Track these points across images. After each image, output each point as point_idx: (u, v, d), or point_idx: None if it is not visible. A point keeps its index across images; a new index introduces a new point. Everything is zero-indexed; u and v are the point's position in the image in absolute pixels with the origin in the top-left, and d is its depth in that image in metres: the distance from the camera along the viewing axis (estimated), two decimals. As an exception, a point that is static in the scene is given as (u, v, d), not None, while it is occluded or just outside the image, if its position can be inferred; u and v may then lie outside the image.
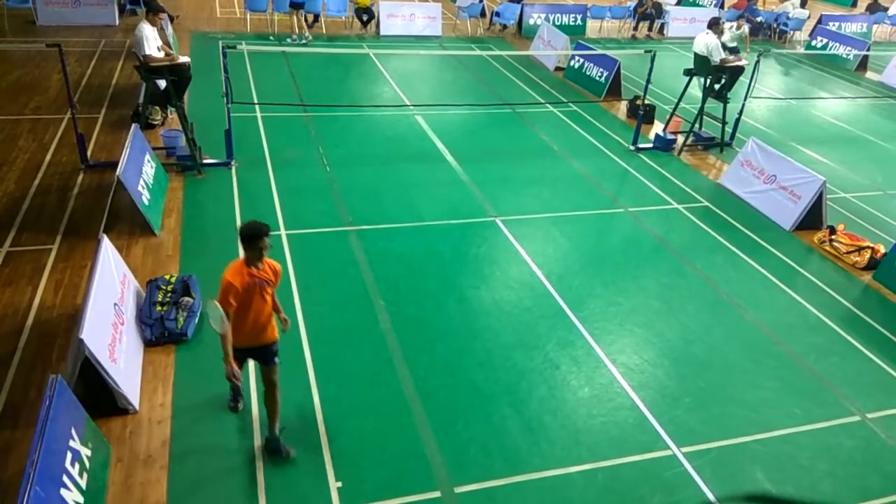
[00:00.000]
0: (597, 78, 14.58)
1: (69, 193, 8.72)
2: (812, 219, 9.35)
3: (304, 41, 16.53)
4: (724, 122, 11.85)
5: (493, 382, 6.15)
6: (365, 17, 17.96)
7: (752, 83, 11.60)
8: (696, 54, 11.58)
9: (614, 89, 14.24)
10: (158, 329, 6.20)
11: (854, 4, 29.21)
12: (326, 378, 6.01)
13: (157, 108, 10.95)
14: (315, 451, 5.27)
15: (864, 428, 6.03)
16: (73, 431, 4.53)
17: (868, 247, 8.67)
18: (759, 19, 21.78)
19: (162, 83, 9.30)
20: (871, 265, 8.54)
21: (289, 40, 16.64)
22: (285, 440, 5.23)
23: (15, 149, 9.80)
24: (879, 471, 5.60)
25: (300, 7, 16.63)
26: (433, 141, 11.40)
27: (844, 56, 19.25)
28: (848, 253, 8.73)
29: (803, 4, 21.52)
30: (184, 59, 9.31)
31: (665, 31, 20.97)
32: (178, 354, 6.12)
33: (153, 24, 9.05)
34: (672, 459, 5.52)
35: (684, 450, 5.61)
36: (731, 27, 17.40)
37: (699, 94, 11.89)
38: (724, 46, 17.15)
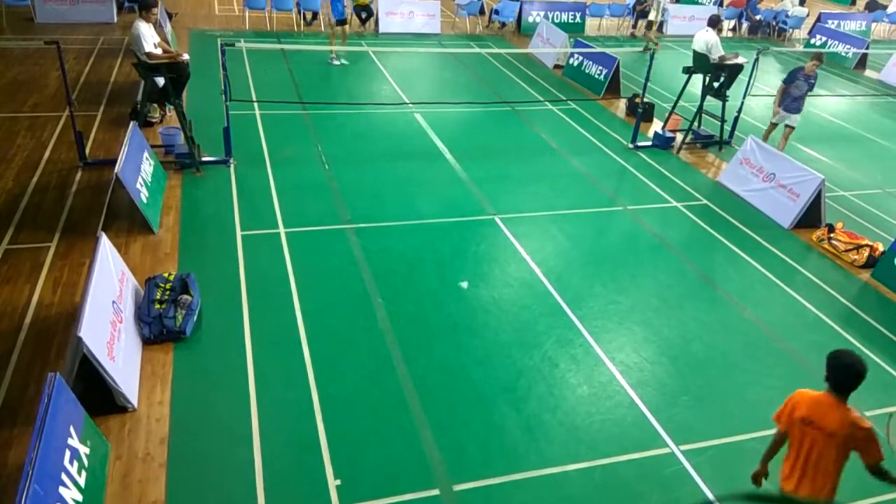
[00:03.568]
0: (596, 76, 14.57)
1: (67, 191, 8.71)
2: (811, 217, 9.35)
3: (340, 62, 15.12)
4: (722, 121, 11.85)
5: (492, 380, 6.15)
6: (364, 15, 17.93)
7: (751, 81, 11.60)
8: (695, 52, 11.56)
9: (613, 87, 14.23)
10: (157, 327, 6.20)
11: (853, 3, 29.21)
12: (325, 376, 6.00)
13: (155, 105, 10.93)
14: (314, 450, 5.27)
15: (862, 426, 6.03)
16: (72, 429, 4.53)
17: (866, 245, 8.67)
18: (758, 17, 21.79)
19: (160, 81, 9.28)
20: (870, 263, 8.54)
21: (339, 62, 15.02)
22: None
23: (13, 146, 9.78)
24: (878, 469, 5.60)
25: (344, 23, 15.04)
26: (432, 139, 11.39)
27: (843, 54, 19.26)
28: (846, 251, 8.74)
29: (802, 2, 21.54)
30: (184, 56, 9.28)
31: (664, 29, 20.96)
32: (176, 353, 6.12)
33: (148, 20, 9.02)
34: (670, 457, 5.52)
35: (683, 448, 5.61)
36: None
37: (698, 92, 11.89)
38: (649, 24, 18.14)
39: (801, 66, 10.89)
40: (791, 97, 10.93)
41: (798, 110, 11.06)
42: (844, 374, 3.88)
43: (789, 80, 10.90)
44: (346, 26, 15.27)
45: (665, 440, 5.67)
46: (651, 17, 18.37)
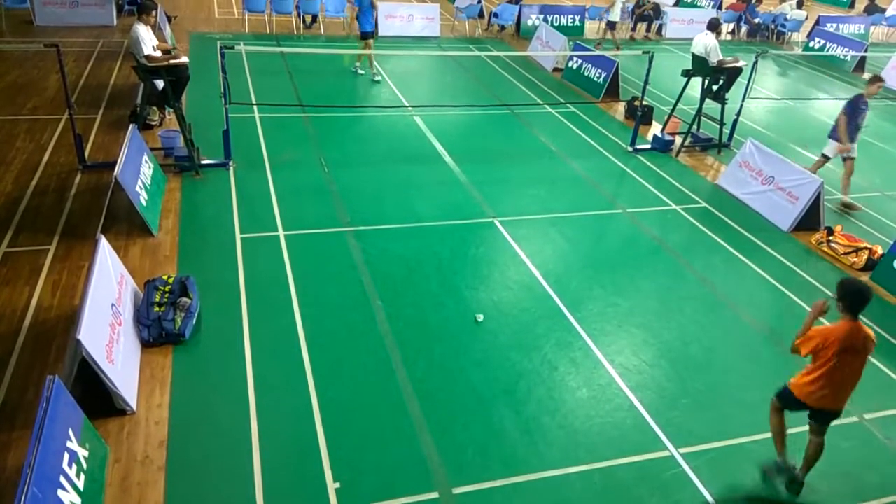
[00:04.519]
0: (595, 79, 14.59)
1: (67, 194, 8.71)
2: (810, 220, 9.36)
3: (371, 76, 14.49)
4: (721, 123, 11.87)
5: (492, 383, 6.15)
6: (363, 18, 17.94)
7: (750, 84, 11.62)
8: (694, 55, 11.59)
9: (612, 90, 14.25)
10: (156, 330, 6.19)
11: (851, 6, 29.26)
12: (324, 379, 6.00)
13: (154, 108, 10.94)
14: (313, 452, 5.27)
15: (861, 429, 6.04)
16: (71, 432, 4.52)
17: (866, 248, 8.68)
18: (757, 20, 21.83)
19: (160, 83, 9.29)
20: (869, 266, 8.55)
21: (359, 71, 14.60)
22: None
23: (12, 149, 9.78)
24: (877, 471, 5.61)
25: (370, 37, 14.36)
26: (431, 142, 11.40)
27: (842, 57, 19.29)
28: (846, 254, 8.74)
29: (800, 5, 21.55)
30: (183, 58, 9.30)
31: (663, 32, 21.00)
32: (175, 355, 6.11)
33: (146, 23, 9.04)
34: (670, 460, 5.52)
35: (682, 450, 5.61)
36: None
37: (697, 95, 11.90)
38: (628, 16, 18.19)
39: (860, 92, 10.07)
40: (854, 127, 9.92)
41: (855, 140, 10.07)
42: (859, 298, 4.84)
43: (852, 110, 9.88)
44: (371, 40, 14.47)
45: (664, 443, 5.67)
46: (612, 17, 18.49)
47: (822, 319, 5.25)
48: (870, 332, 5.00)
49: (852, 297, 4.83)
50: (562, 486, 5.22)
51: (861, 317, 7.68)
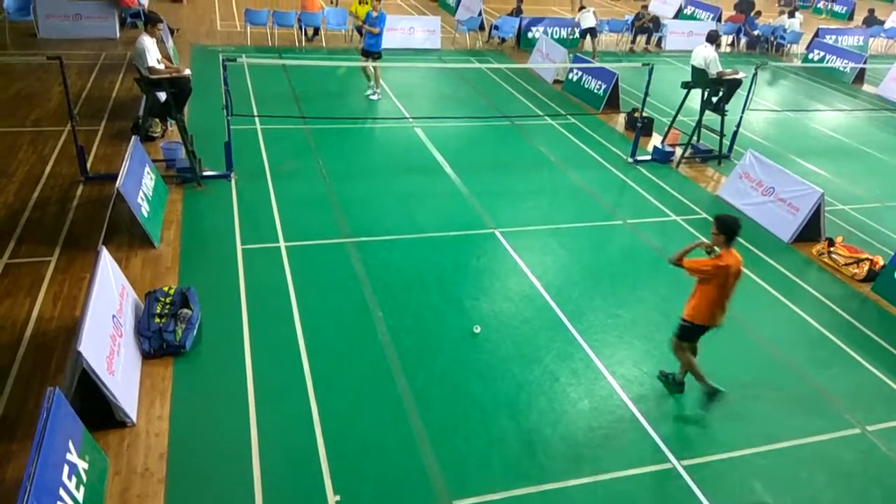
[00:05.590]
0: (595, 91, 14.65)
1: (69, 205, 8.73)
2: (810, 231, 9.36)
3: (376, 95, 13.86)
4: (721, 135, 11.90)
5: (493, 395, 6.14)
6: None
7: (750, 96, 11.66)
8: (693, 67, 11.63)
9: (612, 102, 14.30)
10: (157, 341, 6.19)
11: (851, 18, 29.41)
12: (325, 390, 5.99)
13: (157, 120, 10.97)
14: (313, 464, 5.25)
15: (864, 440, 6.01)
16: (71, 444, 4.51)
17: (867, 259, 8.68)
18: (756, 32, 21.93)
19: (162, 95, 9.34)
20: (870, 277, 8.54)
21: (370, 95, 13.84)
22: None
23: (15, 161, 9.81)
24: (880, 484, 5.58)
25: (375, 56, 13.58)
26: (432, 153, 11.43)
27: (841, 69, 19.37)
28: (846, 265, 8.74)
29: (792, 14, 21.64)
30: (185, 71, 9.35)
31: (663, 45, 21.09)
32: (176, 367, 6.10)
33: (152, 35, 9.11)
34: (672, 472, 5.49)
35: (684, 462, 5.59)
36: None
37: (697, 107, 11.94)
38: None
39: None
40: None
41: None
42: (736, 230, 5.70)
43: None
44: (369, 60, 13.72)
45: (666, 455, 5.65)
46: (585, 24, 18.95)
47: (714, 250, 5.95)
48: (739, 255, 5.83)
49: (731, 230, 5.67)
50: (563, 498, 5.19)
51: (849, 317, 7.71)
